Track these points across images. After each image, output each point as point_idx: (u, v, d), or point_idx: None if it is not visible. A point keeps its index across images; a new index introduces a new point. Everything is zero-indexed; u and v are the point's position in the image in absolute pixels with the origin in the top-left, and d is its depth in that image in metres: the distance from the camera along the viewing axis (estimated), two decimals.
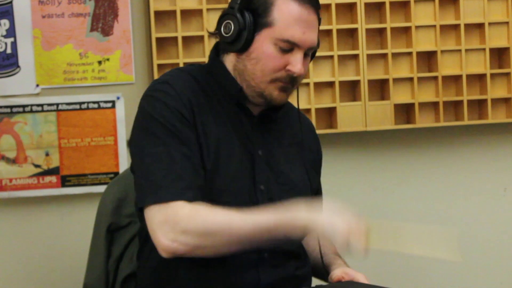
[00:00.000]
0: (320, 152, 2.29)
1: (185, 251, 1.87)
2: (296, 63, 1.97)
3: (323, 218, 1.87)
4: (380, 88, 3.43)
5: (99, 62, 3.19)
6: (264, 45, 1.96)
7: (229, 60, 2.05)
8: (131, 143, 2.02)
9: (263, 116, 2.09)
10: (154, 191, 1.89)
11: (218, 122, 2.01)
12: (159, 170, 1.90)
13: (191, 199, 1.88)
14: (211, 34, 2.08)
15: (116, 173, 3.15)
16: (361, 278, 2.06)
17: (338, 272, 2.09)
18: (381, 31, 3.40)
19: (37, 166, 3.15)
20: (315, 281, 2.16)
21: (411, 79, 3.39)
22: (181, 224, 1.85)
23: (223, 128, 2.02)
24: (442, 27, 3.43)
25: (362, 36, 3.33)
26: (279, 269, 2.04)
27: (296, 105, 2.17)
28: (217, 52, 2.11)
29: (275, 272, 2.03)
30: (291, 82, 2.00)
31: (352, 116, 3.32)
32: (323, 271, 2.16)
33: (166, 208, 1.87)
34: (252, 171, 2.03)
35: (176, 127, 1.94)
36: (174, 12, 3.20)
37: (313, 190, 2.19)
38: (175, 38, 3.20)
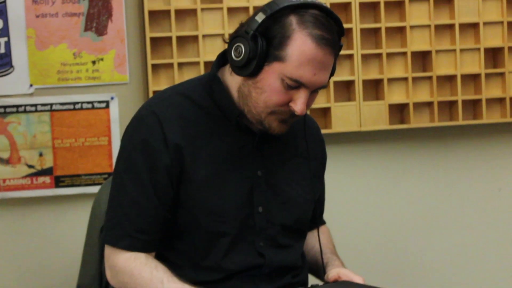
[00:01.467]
0: (325, 156, 2.26)
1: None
2: (299, 103, 1.90)
3: None
4: (374, 88, 3.42)
5: (93, 62, 3.18)
6: (271, 77, 1.89)
7: (235, 80, 1.98)
8: None
9: (265, 133, 2.02)
10: (104, 229, 2.03)
11: (215, 146, 1.99)
12: (110, 210, 2.01)
13: (127, 247, 1.96)
14: (226, 43, 1.97)
15: (110, 174, 3.14)
16: (358, 281, 2.06)
17: (334, 273, 2.08)
18: (376, 31, 3.39)
19: (30, 166, 3.14)
20: (311, 280, 2.15)
21: (405, 79, 3.39)
22: (117, 267, 1.98)
23: (221, 153, 1.99)
24: (437, 27, 3.42)
25: (356, 36, 3.33)
26: (277, 281, 2.05)
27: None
28: (220, 63, 2.05)
29: (273, 283, 2.04)
30: (292, 117, 1.96)
31: (346, 116, 3.32)
32: (320, 270, 2.15)
33: (108, 249, 2.00)
34: (251, 193, 2.01)
35: (142, 172, 1.95)
36: (168, 11, 3.20)
37: (315, 199, 2.17)
38: (170, 38, 3.20)
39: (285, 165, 2.09)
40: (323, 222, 2.34)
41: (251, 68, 1.89)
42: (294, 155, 2.12)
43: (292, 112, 1.92)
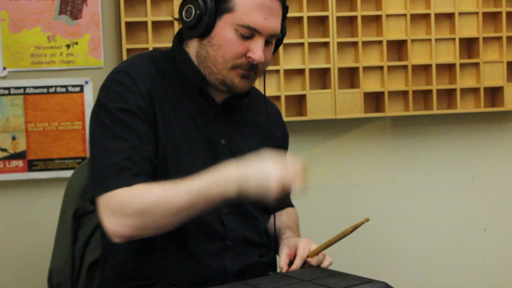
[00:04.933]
0: (286, 139, 2.29)
1: (130, 233, 1.88)
2: (256, 50, 1.95)
3: (254, 169, 1.86)
4: (350, 76, 3.43)
5: (68, 46, 3.16)
6: (225, 30, 1.95)
7: (192, 47, 2.04)
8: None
9: (227, 104, 2.08)
10: (101, 182, 1.91)
11: (179, 111, 2.01)
12: (107, 160, 1.92)
13: (135, 184, 1.88)
14: (175, 20, 2.06)
15: (84, 158, 3.13)
16: (303, 244, 2.07)
17: (282, 255, 2.08)
18: (352, 19, 3.39)
19: (3, 150, 3.12)
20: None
21: (381, 67, 3.39)
22: (121, 207, 1.87)
23: (184, 117, 2.01)
24: (413, 16, 3.43)
25: (332, 24, 3.32)
26: (243, 257, 2.06)
27: (265, 93, 2.17)
28: (180, 39, 2.09)
29: (239, 259, 2.05)
30: (252, 69, 1.99)
31: (321, 104, 3.32)
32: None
33: (111, 196, 1.88)
34: (214, 160, 2.01)
35: (128, 119, 1.93)
36: None
37: None
38: (145, 23, 3.18)
39: (247, 139, 2.12)
40: (291, 205, 2.36)
41: (203, 24, 1.96)
42: (255, 131, 2.15)
43: (251, 64, 1.96)
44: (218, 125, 2.06)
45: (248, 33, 1.94)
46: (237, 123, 2.11)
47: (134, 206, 1.86)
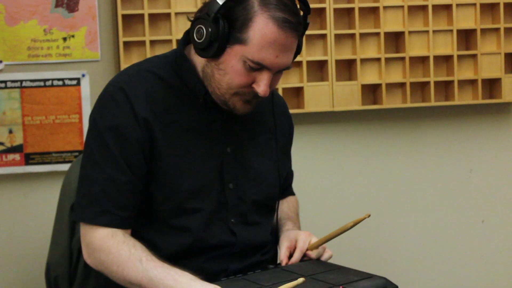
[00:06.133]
0: (291, 132, 2.28)
1: (95, 267, 1.98)
2: (262, 84, 1.90)
3: None
4: (347, 69, 3.42)
5: (64, 39, 3.14)
6: (233, 59, 1.89)
7: (199, 60, 1.99)
8: None
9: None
10: (77, 206, 1.99)
11: (182, 125, 1.99)
12: (85, 187, 1.97)
13: (106, 224, 1.94)
14: (190, 21, 1.97)
15: (81, 152, 3.12)
16: (303, 237, 2.07)
17: (282, 248, 2.09)
18: (349, 11, 3.39)
19: (0, 143, 3.11)
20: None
21: (378, 59, 3.39)
22: (92, 248, 1.96)
23: (188, 131, 2.00)
24: (410, 8, 3.43)
25: (330, 16, 3.32)
26: (247, 259, 2.07)
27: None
28: (186, 41, 2.04)
29: (242, 261, 2.06)
30: (255, 98, 1.96)
31: (319, 96, 3.31)
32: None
33: (88, 230, 1.96)
34: (221, 170, 2.02)
35: (113, 142, 1.93)
36: None
37: (283, 176, 2.19)
38: (142, 15, 3.17)
39: (254, 141, 2.11)
40: (293, 193, 2.37)
41: (212, 50, 1.89)
42: (262, 131, 2.14)
43: (255, 93, 1.92)
44: (224, 133, 2.04)
45: (257, 67, 1.88)
46: (244, 126, 2.09)
47: (100, 255, 1.93)
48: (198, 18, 1.91)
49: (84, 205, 1.96)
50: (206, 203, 2.00)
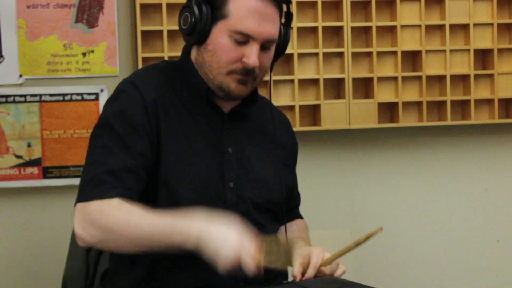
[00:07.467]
0: (295, 148, 2.29)
1: (93, 242, 1.91)
2: (250, 55, 1.96)
3: (217, 231, 1.81)
4: (364, 87, 3.43)
5: (84, 54, 3.17)
6: (219, 37, 1.97)
7: (193, 55, 2.07)
8: None
9: (234, 113, 2.09)
10: (81, 192, 1.94)
11: (186, 121, 2.02)
12: (90, 172, 1.94)
13: (115, 195, 1.90)
14: (180, 31, 2.06)
15: None
16: (316, 253, 2.04)
17: (296, 264, 2.05)
18: (367, 29, 3.40)
19: (18, 157, 3.13)
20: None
21: (395, 78, 3.39)
22: (90, 218, 1.89)
23: (191, 127, 2.02)
24: (427, 27, 3.44)
25: (347, 34, 3.33)
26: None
27: (271, 101, 2.17)
28: (189, 49, 2.11)
29: None
30: (249, 75, 1.99)
31: (336, 114, 3.32)
32: None
33: (86, 205, 1.90)
34: (221, 169, 2.03)
35: (122, 129, 1.95)
36: (159, 5, 3.19)
37: (287, 188, 2.20)
38: (161, 32, 3.19)
39: (255, 147, 2.13)
40: (300, 216, 2.36)
41: (198, 32, 1.98)
42: (263, 140, 2.16)
43: (247, 69, 1.97)
44: (225, 134, 2.07)
45: (242, 39, 1.96)
46: (245, 131, 2.12)
47: (100, 221, 1.88)
48: (183, 8, 2.02)
49: (91, 186, 1.92)
50: (206, 198, 2.00)
